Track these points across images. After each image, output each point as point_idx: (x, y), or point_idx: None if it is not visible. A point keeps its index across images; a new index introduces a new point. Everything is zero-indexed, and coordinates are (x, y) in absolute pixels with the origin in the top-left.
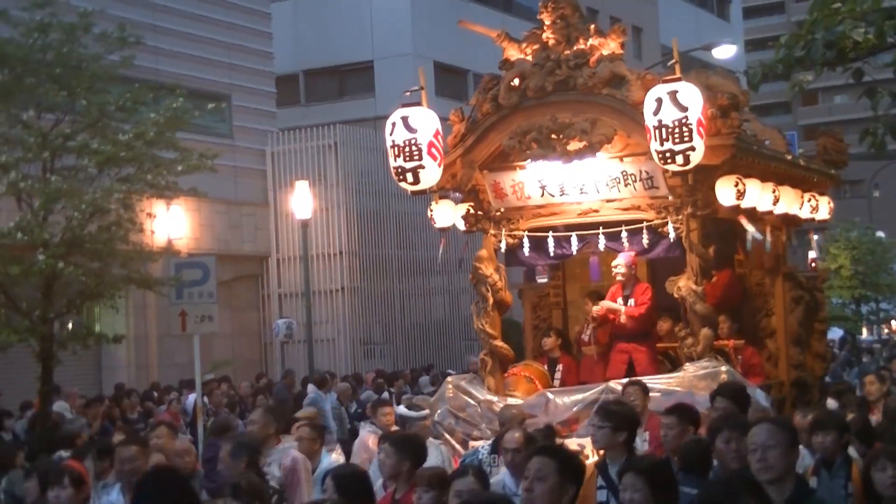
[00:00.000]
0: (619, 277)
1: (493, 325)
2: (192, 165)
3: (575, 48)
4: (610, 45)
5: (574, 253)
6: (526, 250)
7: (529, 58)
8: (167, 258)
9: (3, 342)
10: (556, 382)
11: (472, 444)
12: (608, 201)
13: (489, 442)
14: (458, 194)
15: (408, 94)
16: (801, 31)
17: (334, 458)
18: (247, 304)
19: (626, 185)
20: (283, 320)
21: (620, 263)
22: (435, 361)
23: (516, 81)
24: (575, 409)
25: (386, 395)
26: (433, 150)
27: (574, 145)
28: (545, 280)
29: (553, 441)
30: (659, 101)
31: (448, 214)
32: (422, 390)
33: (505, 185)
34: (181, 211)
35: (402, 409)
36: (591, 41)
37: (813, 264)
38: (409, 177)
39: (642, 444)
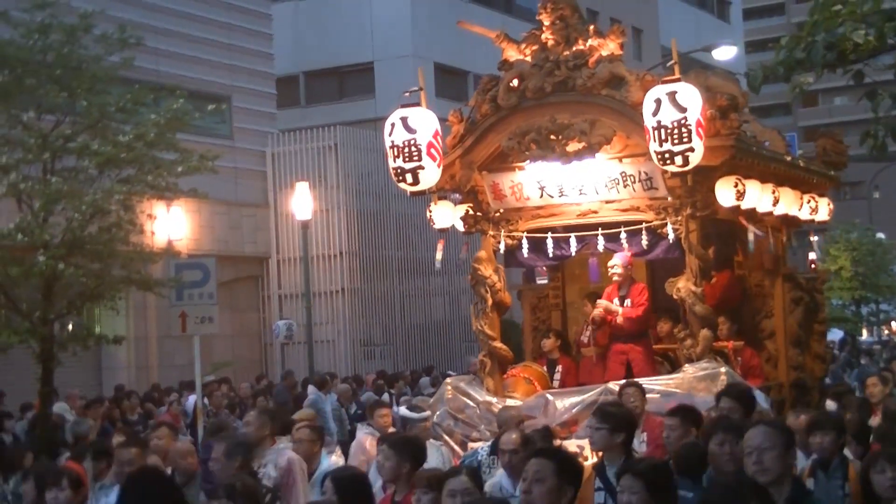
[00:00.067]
0: (615, 278)
1: (492, 327)
2: (192, 167)
3: (574, 49)
4: (609, 46)
5: (573, 254)
6: (525, 251)
7: (528, 58)
8: (167, 259)
9: (4, 343)
10: (556, 384)
11: (470, 445)
12: (607, 202)
13: (488, 443)
14: (457, 195)
15: (407, 94)
16: (801, 33)
17: (334, 459)
18: (247, 305)
19: (625, 186)
20: (284, 321)
21: (617, 264)
22: (435, 362)
23: (515, 82)
24: (574, 410)
25: (386, 396)
26: (432, 150)
27: (573, 146)
28: (544, 281)
29: (551, 443)
30: (658, 101)
31: (447, 215)
32: (422, 391)
33: (504, 186)
34: (181, 212)
35: (403, 411)
36: (590, 42)
37: (812, 265)
38: (409, 177)
39: (640, 445)
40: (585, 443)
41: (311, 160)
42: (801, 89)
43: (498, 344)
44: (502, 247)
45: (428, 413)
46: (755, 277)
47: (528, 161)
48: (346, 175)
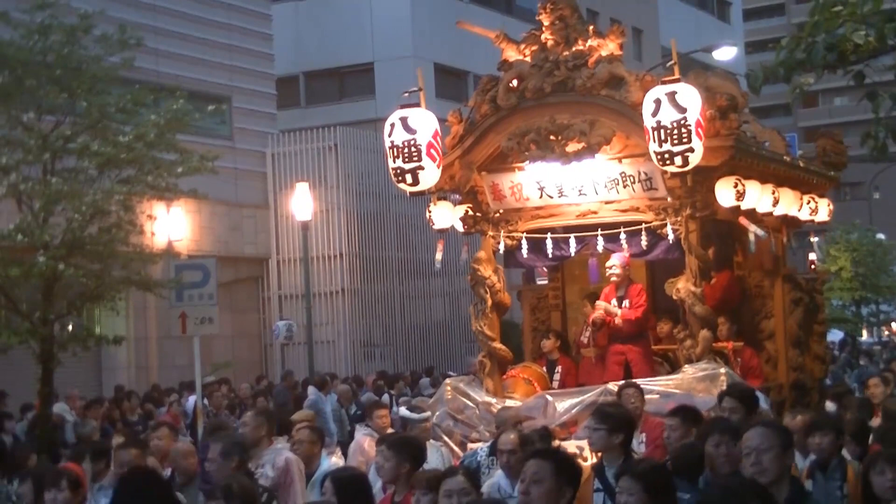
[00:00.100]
0: (613, 278)
1: (491, 327)
2: (192, 167)
3: (573, 49)
4: (609, 46)
5: (572, 254)
6: (524, 252)
7: (528, 59)
8: (167, 260)
9: (4, 344)
10: (555, 384)
11: (470, 446)
12: (607, 203)
13: (487, 444)
14: (456, 195)
15: (406, 94)
16: (801, 34)
17: (334, 460)
18: (247, 305)
19: (624, 187)
20: (284, 322)
21: (615, 264)
22: (435, 363)
23: (515, 82)
24: (574, 411)
25: (386, 397)
26: (432, 151)
27: (573, 146)
28: (544, 282)
29: (549, 443)
30: (658, 102)
31: (446, 216)
32: (422, 392)
33: (503, 187)
34: (181, 213)
35: (403, 411)
36: (589, 42)
37: (812, 266)
38: (408, 178)
39: (639, 445)
40: (585, 443)
41: (311, 161)
42: (802, 90)
43: (497, 344)
44: (502, 247)
45: (428, 414)
46: (755, 278)
47: (527, 161)
48: (347, 176)
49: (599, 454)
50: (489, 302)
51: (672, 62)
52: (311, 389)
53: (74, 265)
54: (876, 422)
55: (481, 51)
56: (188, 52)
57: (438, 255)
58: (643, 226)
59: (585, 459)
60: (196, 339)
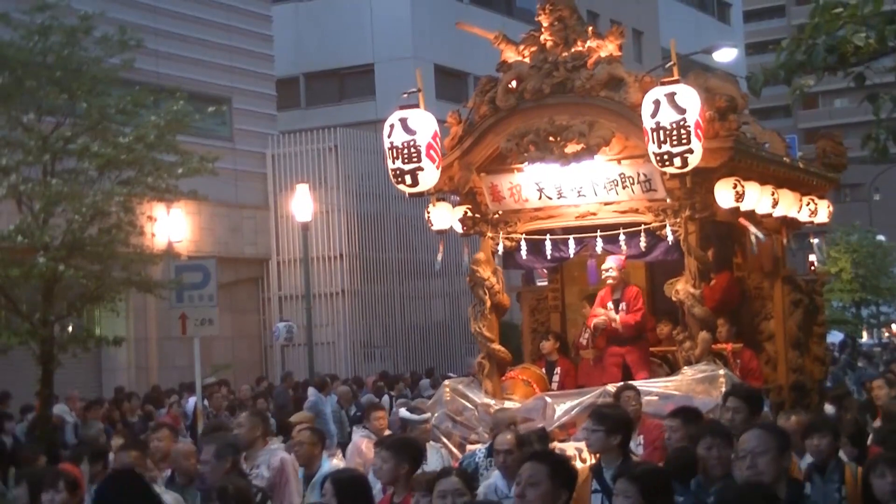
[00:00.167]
0: (609, 281)
1: (490, 329)
2: (192, 168)
3: (573, 50)
4: (608, 48)
5: (572, 256)
6: (523, 253)
7: (527, 60)
8: (167, 261)
9: (4, 345)
10: (555, 386)
11: (469, 447)
12: (606, 204)
13: (486, 445)
14: (455, 196)
15: (405, 95)
16: (802, 36)
17: (335, 462)
18: (247, 307)
19: (623, 188)
20: (284, 323)
21: (611, 267)
22: (436, 364)
23: (514, 83)
24: (573, 412)
25: (386, 398)
26: (431, 152)
27: (572, 147)
28: (543, 283)
29: (547, 444)
30: (657, 103)
31: (445, 217)
32: (422, 393)
33: (502, 188)
34: (181, 214)
35: (403, 412)
36: (588, 43)
37: (812, 267)
38: (408, 179)
39: (637, 447)
40: (584, 445)
41: (312, 162)
42: (802, 92)
43: (496, 346)
44: (501, 248)
45: (428, 415)
46: (754, 279)
47: (526, 162)
48: (347, 177)
49: (597, 455)
50: (488, 303)
51: (672, 63)
52: (311, 391)
53: (74, 266)
54: (878, 424)
55: (481, 52)
56: (188, 54)
57: (439, 256)
58: (642, 227)
59: (584, 461)
60: (196, 341)
